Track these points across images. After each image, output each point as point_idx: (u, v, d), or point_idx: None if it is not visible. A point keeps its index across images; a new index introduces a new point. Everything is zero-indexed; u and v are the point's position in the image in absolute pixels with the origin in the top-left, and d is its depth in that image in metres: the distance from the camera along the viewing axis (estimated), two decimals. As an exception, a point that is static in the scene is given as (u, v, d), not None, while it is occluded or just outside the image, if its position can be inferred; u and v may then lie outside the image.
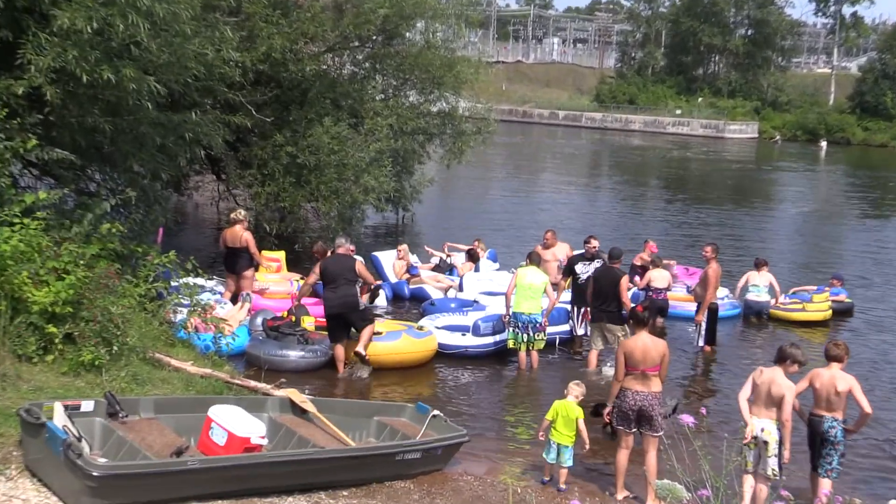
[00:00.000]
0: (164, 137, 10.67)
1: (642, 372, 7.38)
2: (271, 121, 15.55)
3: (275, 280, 13.72)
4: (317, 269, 10.61)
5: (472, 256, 15.57)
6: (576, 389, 7.96)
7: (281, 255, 14.67)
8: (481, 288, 14.24)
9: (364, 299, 10.78)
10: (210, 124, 11.94)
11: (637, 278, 14.21)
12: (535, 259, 11.61)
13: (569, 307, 12.47)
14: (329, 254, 10.80)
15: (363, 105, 17.76)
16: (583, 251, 12.56)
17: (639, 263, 14.86)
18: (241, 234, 12.53)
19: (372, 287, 11.33)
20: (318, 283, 10.86)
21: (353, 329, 10.43)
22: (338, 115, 16.50)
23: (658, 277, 13.24)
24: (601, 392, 9.55)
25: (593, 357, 11.47)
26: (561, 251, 13.68)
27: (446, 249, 16.62)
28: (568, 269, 12.59)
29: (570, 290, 12.65)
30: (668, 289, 13.36)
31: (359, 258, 11.09)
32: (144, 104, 9.69)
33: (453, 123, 20.25)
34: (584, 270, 12.27)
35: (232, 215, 12.85)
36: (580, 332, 12.50)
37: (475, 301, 13.37)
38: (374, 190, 16.27)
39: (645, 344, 7.46)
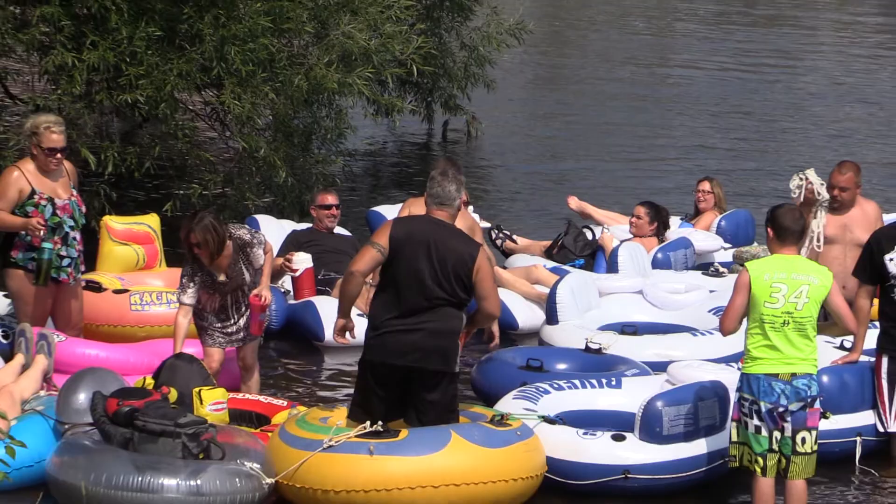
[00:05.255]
0: None
1: None
2: None
3: (145, 290, 12.70)
4: (383, 238, 10.21)
5: (658, 216, 14.37)
6: None
7: (150, 223, 14.10)
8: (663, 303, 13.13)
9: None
10: None
11: None
12: (792, 229, 10.06)
13: (872, 358, 11.32)
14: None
15: None
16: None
17: None
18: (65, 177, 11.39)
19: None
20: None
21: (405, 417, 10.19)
22: None
23: None
24: None
25: None
26: (869, 216, 12.20)
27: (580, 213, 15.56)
28: (868, 267, 11.22)
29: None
30: None
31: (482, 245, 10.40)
32: None
33: None
34: None
35: (29, 127, 11.63)
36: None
37: (594, 350, 12.09)
38: (371, 58, 16.08)
39: None
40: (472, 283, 10.21)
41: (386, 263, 10.15)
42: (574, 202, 15.86)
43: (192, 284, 11.35)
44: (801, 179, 13.78)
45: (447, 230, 10.34)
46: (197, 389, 10.82)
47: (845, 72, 28.73)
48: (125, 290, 13.03)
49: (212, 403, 10.83)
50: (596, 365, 12.19)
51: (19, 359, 11.42)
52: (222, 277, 11.29)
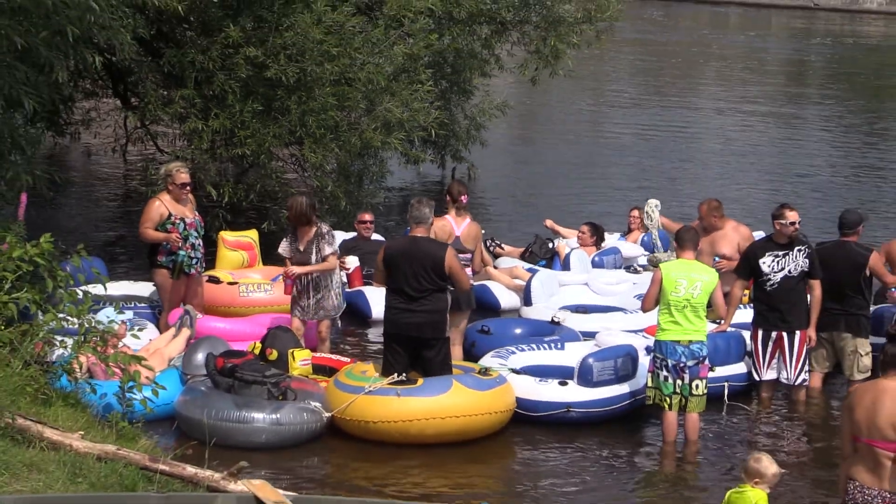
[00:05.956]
0: (27, 33, 10.31)
1: (871, 447, 6.88)
2: (219, 1, 14.45)
3: (249, 282, 12.74)
4: (381, 262, 10.31)
5: (596, 232, 14.30)
6: (760, 468, 7.47)
7: (251, 236, 13.88)
8: (589, 292, 12.97)
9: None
10: (111, 8, 11.12)
11: None
12: (690, 241, 10.29)
13: (747, 333, 11.32)
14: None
15: None
16: (769, 235, 11.23)
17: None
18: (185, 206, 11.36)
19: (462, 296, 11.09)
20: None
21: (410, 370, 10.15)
22: None
23: None
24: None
25: (816, 382, 11.04)
26: (730, 238, 12.15)
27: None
28: (746, 266, 11.21)
29: (749, 303, 11.49)
30: None
31: (449, 246, 10.17)
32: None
33: (543, 4, 19.39)
34: (776, 267, 10.73)
35: (165, 171, 11.77)
36: (768, 376, 11.15)
37: (556, 321, 12.28)
38: (403, 125, 15.60)
39: (884, 397, 6.81)
40: (447, 274, 10.25)
41: (388, 271, 10.35)
42: (549, 223, 15.55)
43: (285, 242, 11.41)
44: (648, 208, 14.47)
45: (422, 242, 10.35)
46: (291, 350, 10.92)
47: (733, 132, 28.43)
48: (235, 283, 12.97)
49: (301, 360, 10.92)
50: (531, 331, 12.66)
51: (172, 330, 11.49)
52: (301, 247, 11.12)
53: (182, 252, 11.47)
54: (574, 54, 20.09)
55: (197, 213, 11.91)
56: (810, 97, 36.63)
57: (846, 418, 7.22)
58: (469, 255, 11.23)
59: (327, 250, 11.17)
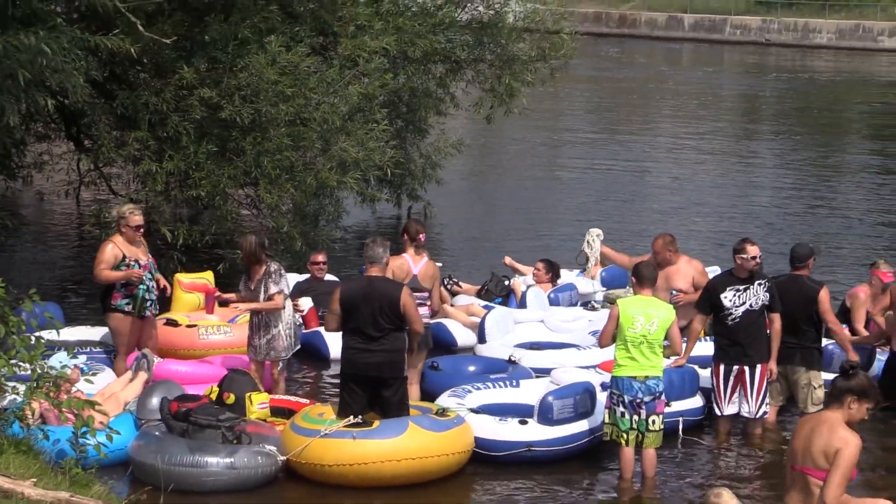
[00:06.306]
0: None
1: (800, 472, 7.04)
2: (173, 42, 14.68)
3: (208, 324, 12.56)
4: (336, 305, 10.13)
5: (552, 268, 14.36)
6: (720, 503, 7.22)
7: (207, 278, 13.62)
8: (544, 332, 12.91)
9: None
10: (63, 51, 11.33)
11: (860, 327, 12.73)
12: (648, 278, 10.30)
13: (708, 368, 11.29)
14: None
15: (337, 13, 17.15)
16: (730, 269, 11.36)
17: (849, 304, 13.11)
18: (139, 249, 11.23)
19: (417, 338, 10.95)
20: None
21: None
22: (292, 32, 15.63)
23: None
24: None
25: (772, 416, 11.07)
26: (684, 272, 12.20)
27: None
28: (707, 301, 11.26)
29: (709, 335, 11.51)
30: None
31: (405, 286, 10.18)
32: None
33: (498, 42, 19.32)
34: (738, 301, 10.74)
35: (118, 213, 11.63)
36: (729, 410, 11.13)
37: (513, 361, 12.40)
38: (359, 164, 15.31)
39: (822, 427, 6.93)
40: (402, 314, 10.18)
41: (345, 313, 10.22)
42: (507, 260, 15.69)
43: (242, 282, 11.47)
44: (590, 236, 14.51)
45: (377, 282, 10.31)
46: (248, 394, 10.85)
47: (688, 168, 28.56)
48: (195, 325, 12.82)
49: (258, 404, 10.88)
50: (483, 368, 12.58)
51: (128, 374, 11.36)
52: (252, 286, 11.04)
53: (142, 287, 11.32)
54: (529, 92, 20.16)
55: (150, 256, 11.83)
56: (763, 133, 37.08)
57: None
58: (427, 294, 11.21)
59: (272, 289, 11.08)
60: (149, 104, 14.99)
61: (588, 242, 14.30)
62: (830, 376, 10.15)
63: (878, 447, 11.27)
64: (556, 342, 13.51)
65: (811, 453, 7.11)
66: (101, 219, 15.03)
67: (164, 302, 12.69)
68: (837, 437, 6.64)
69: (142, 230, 11.75)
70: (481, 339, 13.13)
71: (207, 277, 13.95)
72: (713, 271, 13.55)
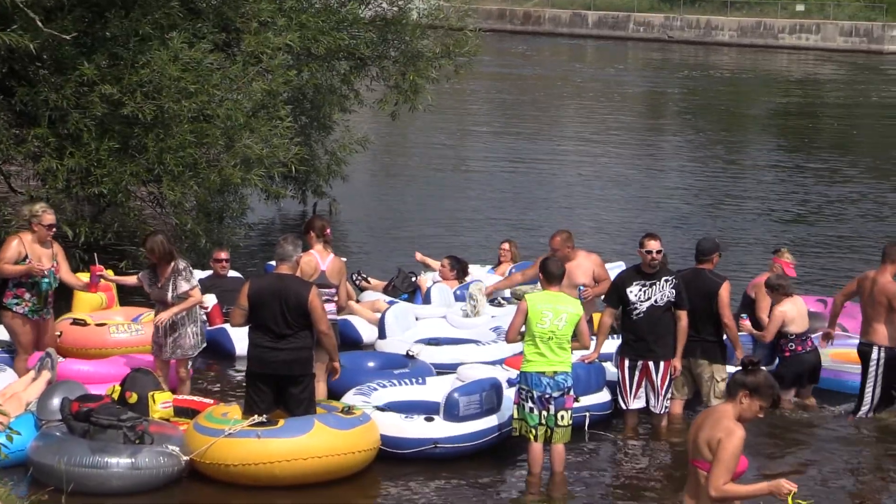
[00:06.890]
0: None
1: (695, 467, 7.09)
2: (73, 39, 14.15)
3: (117, 323, 12.29)
4: (244, 300, 9.98)
5: (458, 265, 14.35)
6: None
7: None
8: (445, 328, 12.88)
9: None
10: None
11: (764, 317, 12.22)
12: (555, 275, 10.37)
13: (612, 362, 11.43)
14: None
15: (239, 9, 16.76)
16: (638, 264, 11.47)
17: (753, 294, 12.81)
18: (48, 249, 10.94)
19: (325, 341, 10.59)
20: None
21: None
22: (195, 28, 15.44)
23: (796, 314, 11.67)
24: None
25: (677, 409, 11.08)
26: (584, 267, 12.29)
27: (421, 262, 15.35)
28: (615, 294, 11.40)
29: (617, 332, 11.62)
30: (808, 334, 12.00)
31: (313, 285, 10.00)
32: None
33: (402, 39, 19.28)
34: (643, 296, 10.84)
35: (30, 211, 11.40)
36: (635, 405, 11.27)
37: (411, 355, 12.48)
38: (263, 161, 15.11)
39: (710, 419, 7.00)
40: (309, 313, 10.16)
41: (252, 309, 10.15)
42: (419, 256, 15.68)
43: (144, 275, 11.29)
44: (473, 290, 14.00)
45: (287, 280, 10.25)
46: (151, 393, 10.70)
47: (594, 163, 28.73)
48: (104, 324, 12.60)
49: (161, 403, 10.74)
50: (382, 364, 12.57)
51: (31, 374, 11.18)
52: (160, 284, 10.86)
53: (45, 280, 11.09)
54: (434, 88, 20.12)
55: (55, 264, 11.67)
56: (668, 129, 37.39)
57: None
58: (333, 291, 11.16)
59: (184, 287, 10.90)
60: (49, 101, 14.76)
61: (471, 296, 13.90)
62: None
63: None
64: (454, 338, 13.49)
65: (698, 445, 7.22)
66: (1, 216, 14.69)
67: (66, 301, 12.52)
68: (720, 428, 6.73)
69: (53, 229, 11.60)
70: (381, 334, 13.16)
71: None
72: (617, 266, 13.50)
